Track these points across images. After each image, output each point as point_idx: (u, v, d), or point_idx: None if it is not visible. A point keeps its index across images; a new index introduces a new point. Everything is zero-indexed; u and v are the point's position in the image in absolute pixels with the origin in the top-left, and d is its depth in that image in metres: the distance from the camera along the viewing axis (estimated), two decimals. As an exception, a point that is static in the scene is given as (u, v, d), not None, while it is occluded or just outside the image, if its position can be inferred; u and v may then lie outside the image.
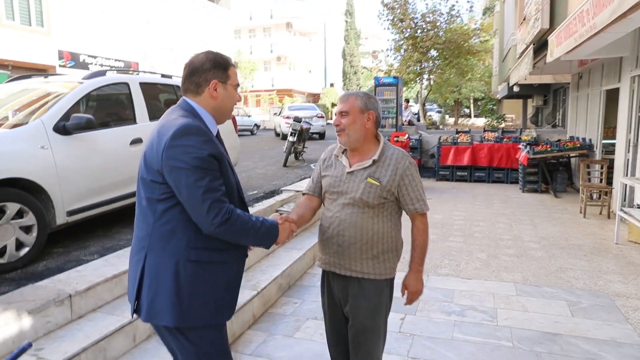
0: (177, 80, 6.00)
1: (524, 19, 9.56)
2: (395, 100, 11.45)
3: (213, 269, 1.61)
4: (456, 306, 3.80)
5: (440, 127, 24.62)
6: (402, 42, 17.07)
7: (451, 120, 33.36)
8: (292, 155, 10.82)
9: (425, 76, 19.01)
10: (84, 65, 17.64)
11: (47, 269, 3.42)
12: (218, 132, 1.74)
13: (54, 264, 3.56)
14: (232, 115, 6.78)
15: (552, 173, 8.93)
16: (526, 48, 8.65)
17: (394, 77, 11.65)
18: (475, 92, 28.84)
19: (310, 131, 14.44)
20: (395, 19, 16.57)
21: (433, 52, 17.10)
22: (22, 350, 1.38)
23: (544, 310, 3.68)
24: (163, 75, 5.78)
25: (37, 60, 16.09)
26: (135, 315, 1.64)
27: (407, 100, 15.80)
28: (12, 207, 3.33)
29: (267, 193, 6.42)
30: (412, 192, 2.00)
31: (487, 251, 5.29)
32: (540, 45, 8.26)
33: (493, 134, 10.72)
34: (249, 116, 24.86)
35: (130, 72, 6.17)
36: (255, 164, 10.62)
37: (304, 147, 11.35)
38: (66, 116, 3.81)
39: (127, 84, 4.64)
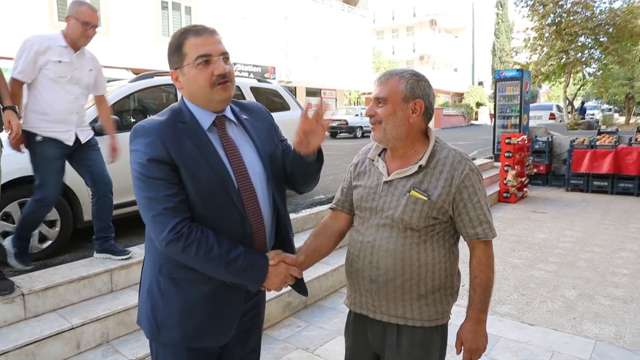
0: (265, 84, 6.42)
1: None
2: (519, 97, 9.90)
3: (192, 287, 1.39)
4: (489, 361, 2.90)
5: (604, 127, 20.90)
6: (543, 30, 14.73)
7: (623, 120, 28.12)
8: None
9: (579, 68, 16.15)
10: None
11: (63, 262, 3.58)
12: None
13: (73, 257, 3.71)
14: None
15: None
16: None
17: (518, 70, 10.05)
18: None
19: None
20: (536, 4, 14.36)
21: (585, 40, 14.36)
22: None
23: (622, 388, 2.57)
24: (259, 80, 6.48)
25: (185, 70, 18.26)
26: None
27: None
28: (33, 203, 3.57)
29: (330, 198, 6.00)
30: (473, 210, 1.47)
31: (581, 288, 4.04)
32: None
33: (648, 135, 8.49)
34: None
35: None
36: (355, 167, 10.22)
37: None
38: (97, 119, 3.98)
39: (174, 85, 4.70)
